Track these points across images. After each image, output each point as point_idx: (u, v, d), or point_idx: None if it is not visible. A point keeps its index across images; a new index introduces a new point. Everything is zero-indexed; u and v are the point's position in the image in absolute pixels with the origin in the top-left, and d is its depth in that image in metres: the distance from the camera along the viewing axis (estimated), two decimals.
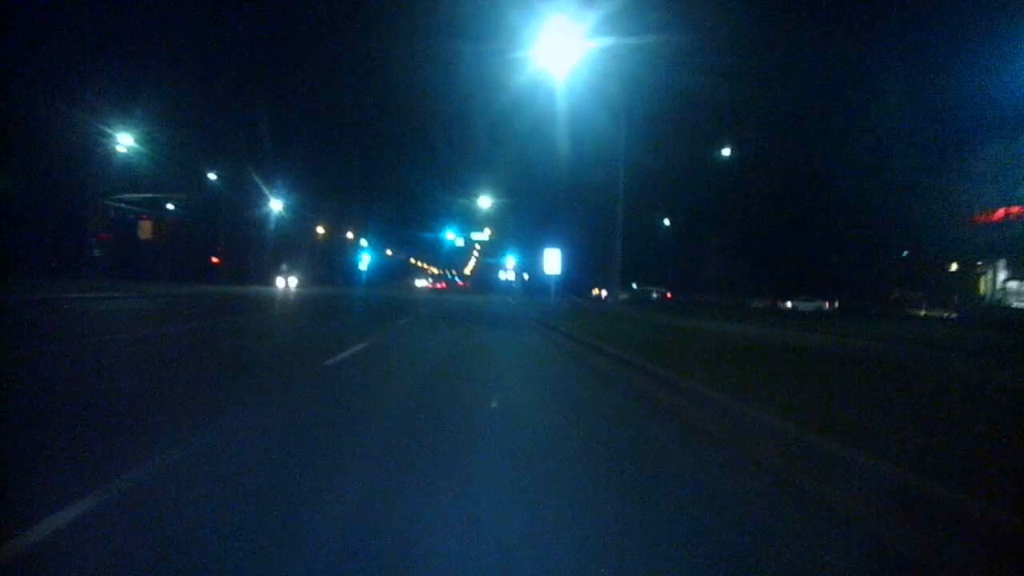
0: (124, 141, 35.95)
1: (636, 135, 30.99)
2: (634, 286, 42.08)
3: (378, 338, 9.88)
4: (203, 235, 51.05)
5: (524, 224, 49.58)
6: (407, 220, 63.23)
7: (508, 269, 46.11)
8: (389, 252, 66.57)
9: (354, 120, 72.81)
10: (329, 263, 57.10)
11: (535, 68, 17.17)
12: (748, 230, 37.57)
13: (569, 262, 55.90)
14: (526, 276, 52.79)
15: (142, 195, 37.89)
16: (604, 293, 39.98)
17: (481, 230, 48.00)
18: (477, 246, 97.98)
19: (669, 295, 36.66)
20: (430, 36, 44.61)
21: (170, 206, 54.47)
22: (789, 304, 43.76)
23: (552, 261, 22.08)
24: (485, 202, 44.75)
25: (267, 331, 10.48)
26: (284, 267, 52.73)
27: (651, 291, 36.57)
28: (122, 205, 41.04)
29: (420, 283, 73.73)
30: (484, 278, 74.72)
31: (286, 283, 49.90)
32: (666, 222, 48.85)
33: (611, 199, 16.87)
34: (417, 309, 20.16)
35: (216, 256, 52.16)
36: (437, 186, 55.83)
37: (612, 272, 16.70)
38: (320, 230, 57.76)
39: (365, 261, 49.60)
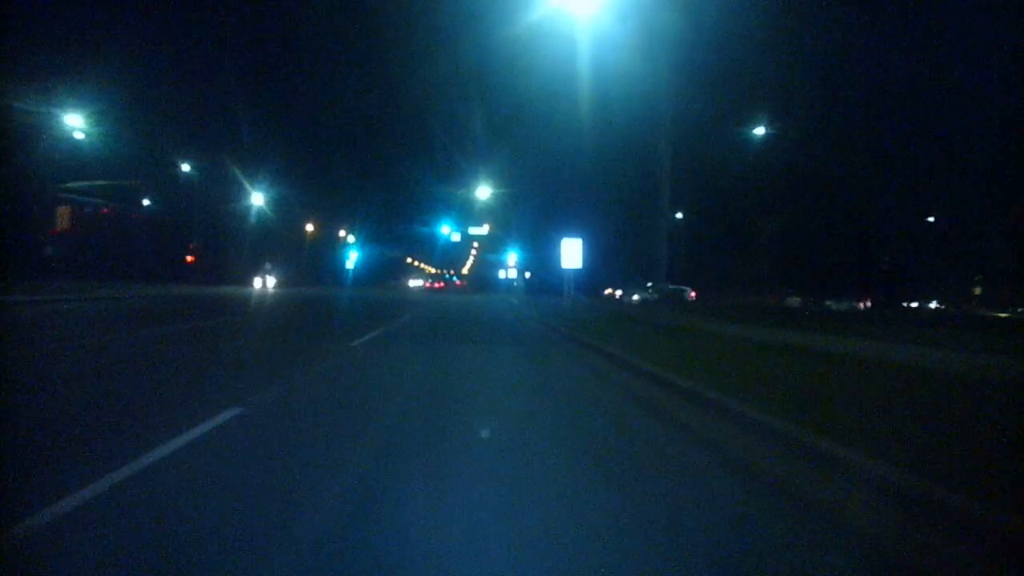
0: (78, 124, 31.57)
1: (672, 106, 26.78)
2: (648, 284, 37.81)
3: (298, 380, 5.61)
4: (177, 231, 46.76)
5: (526, 217, 45.44)
6: (400, 215, 58.96)
7: (509, 267, 41.75)
8: (381, 249, 62.16)
9: (341, 107, 68.33)
10: (314, 261, 52.72)
11: (545, 27, 13.14)
12: (792, 223, 33.52)
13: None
14: (527, 274, 48.51)
15: (90, 183, 33.18)
16: (619, 293, 35.83)
17: (479, 224, 43.70)
18: (475, 243, 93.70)
19: (694, 294, 32.51)
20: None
21: (146, 201, 50.47)
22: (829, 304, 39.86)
23: (571, 253, 17.80)
24: (484, 192, 40.50)
25: (100, 366, 6.13)
26: (265, 266, 48.52)
27: (683, 290, 32.33)
28: (76, 196, 36.75)
29: (414, 283, 69.03)
30: (483, 277, 70.49)
31: (263, 283, 45.56)
32: (679, 215, 44.82)
33: (651, 174, 12.79)
34: (399, 315, 15.92)
35: (190, 254, 47.90)
36: (431, 177, 51.55)
37: (658, 265, 12.46)
38: (305, 226, 53.38)
39: (352, 259, 45.15)
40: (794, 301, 35.91)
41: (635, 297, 31.85)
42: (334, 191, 55.64)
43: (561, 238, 27.30)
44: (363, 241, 53.03)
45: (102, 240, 39.59)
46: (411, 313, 17.20)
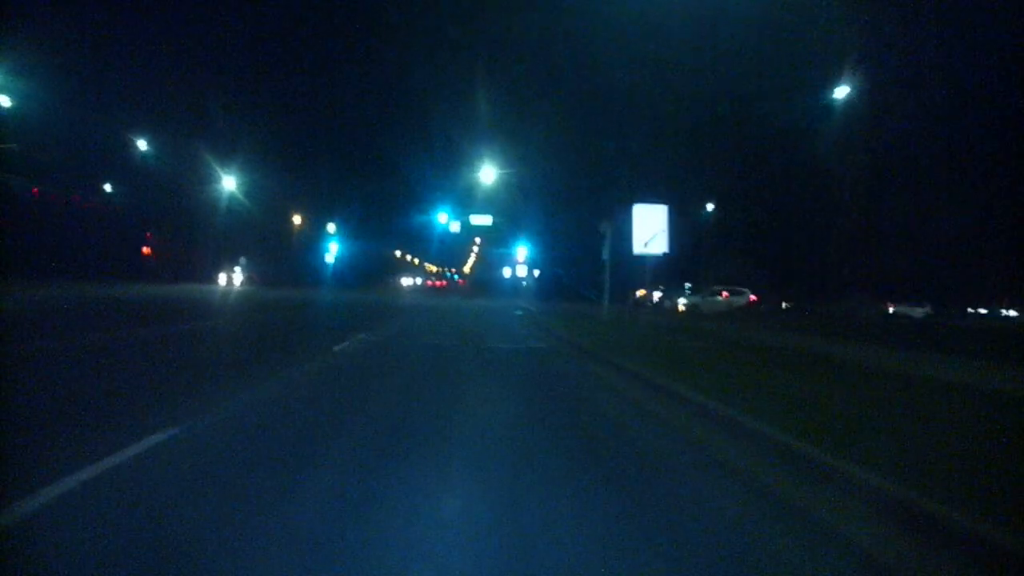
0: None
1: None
2: (687, 287, 30.87)
3: None
4: (132, 219, 40.06)
5: (537, 204, 38.80)
6: (393, 204, 52.18)
7: (519, 263, 34.94)
8: (371, 243, 55.20)
9: (325, 81, 61.28)
10: (291, 256, 45.97)
11: None
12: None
13: (579, 255, 44.81)
14: (535, 272, 41.56)
15: None
16: (657, 295, 28.96)
17: (482, 212, 36.96)
18: (477, 239, 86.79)
19: (754, 298, 25.68)
20: None
21: (108, 187, 44.02)
22: (891, 309, 33.12)
23: (650, 229, 10.74)
24: (488, 175, 33.75)
25: None
26: (239, 261, 41.94)
27: (742, 293, 24.96)
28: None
29: (407, 281, 61.73)
30: (485, 276, 63.69)
31: (229, 281, 39.01)
32: (710, 207, 38.07)
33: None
34: (336, 341, 9.11)
35: (146, 245, 41.24)
36: (427, 159, 44.65)
37: None
38: (288, 217, 46.55)
39: (333, 252, 38.29)
40: (918, 311, 29.10)
41: (681, 301, 24.98)
42: (318, 177, 48.94)
43: (593, 222, 20.42)
44: (350, 233, 46.17)
45: (27, 227, 32.72)
46: (368, 334, 10.32)
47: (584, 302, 35.08)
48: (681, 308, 24.55)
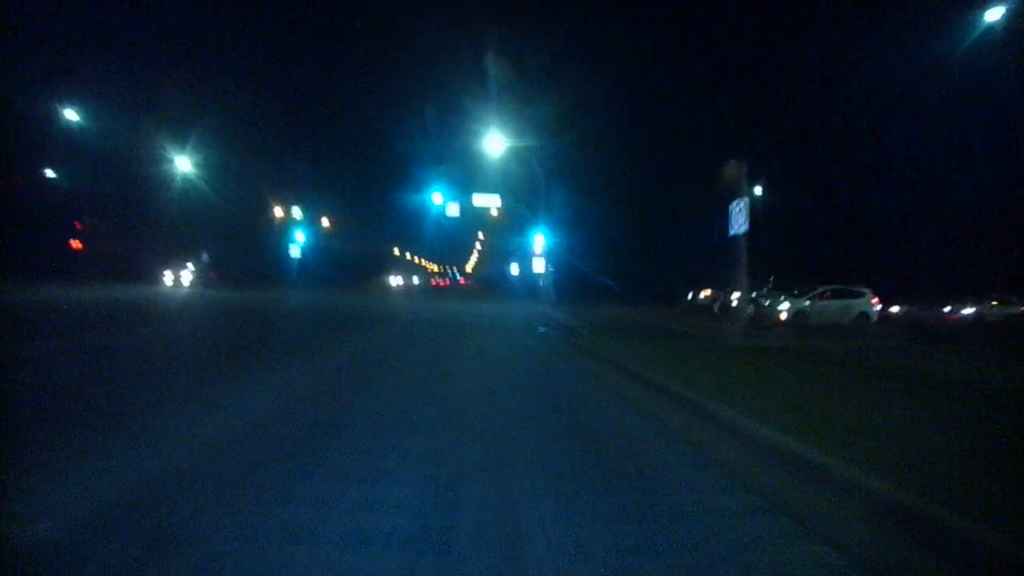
0: None
1: None
2: (760, 292, 22.85)
3: None
4: (58, 205, 32.65)
5: (559, 182, 31.23)
6: (381, 189, 44.70)
7: (536, 255, 27.27)
8: (358, 236, 47.51)
9: (297, 36, 53.54)
10: (261, 251, 38.49)
11: None
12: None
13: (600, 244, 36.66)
14: (550, 268, 33.86)
15: None
16: (735, 297, 21.31)
17: (487, 191, 29.43)
18: (480, 233, 79.03)
19: (877, 303, 17.94)
20: None
21: (50, 173, 36.66)
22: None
23: None
24: (496, 145, 26.18)
25: None
26: (188, 256, 34.66)
27: (862, 295, 17.14)
28: None
29: (396, 281, 53.35)
30: (491, 274, 56.09)
31: (176, 280, 31.83)
32: (757, 190, 30.26)
33: None
34: None
35: (76, 237, 33.75)
36: (419, 128, 36.86)
37: None
38: (250, 204, 39.06)
39: (300, 244, 30.69)
40: None
41: (782, 307, 17.18)
42: (295, 158, 41.50)
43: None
44: (330, 222, 38.53)
45: None
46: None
47: (618, 304, 27.77)
48: (782, 317, 16.80)
